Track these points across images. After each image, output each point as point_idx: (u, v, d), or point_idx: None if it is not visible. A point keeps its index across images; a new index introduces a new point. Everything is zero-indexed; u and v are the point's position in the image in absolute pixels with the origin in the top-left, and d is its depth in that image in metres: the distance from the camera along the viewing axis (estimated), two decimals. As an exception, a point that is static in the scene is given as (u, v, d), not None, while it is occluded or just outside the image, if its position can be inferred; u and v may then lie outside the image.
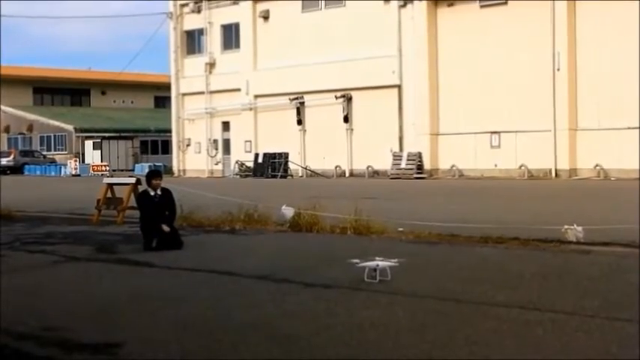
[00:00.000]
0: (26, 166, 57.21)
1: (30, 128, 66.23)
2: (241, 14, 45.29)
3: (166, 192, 11.60)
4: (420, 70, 37.74)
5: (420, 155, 37.76)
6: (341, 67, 40.29)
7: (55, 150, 63.64)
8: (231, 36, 46.51)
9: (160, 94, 68.86)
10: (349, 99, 40.76)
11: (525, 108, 34.67)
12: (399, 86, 38.92)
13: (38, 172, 55.35)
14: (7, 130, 67.76)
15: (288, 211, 13.76)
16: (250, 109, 44.76)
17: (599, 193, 23.87)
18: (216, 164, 46.90)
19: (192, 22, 48.31)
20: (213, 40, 47.21)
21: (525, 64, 34.54)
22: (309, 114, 42.55)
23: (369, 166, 39.46)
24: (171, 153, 51.57)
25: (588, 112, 33.40)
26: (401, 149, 38.72)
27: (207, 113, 47.25)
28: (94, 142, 61.22)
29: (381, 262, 8.12)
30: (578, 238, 10.85)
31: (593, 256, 9.82)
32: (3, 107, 66.14)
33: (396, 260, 8.33)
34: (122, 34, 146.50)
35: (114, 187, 16.25)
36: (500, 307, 6.78)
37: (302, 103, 42.55)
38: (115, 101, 73.75)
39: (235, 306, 7.16)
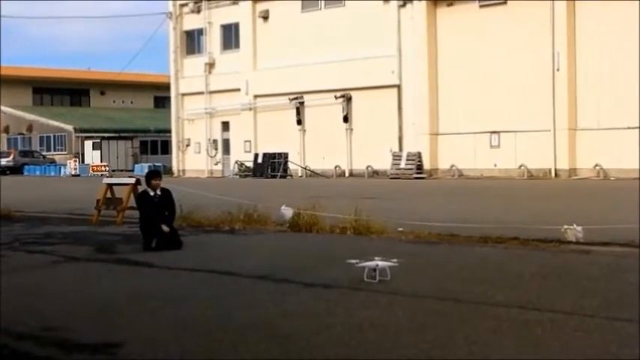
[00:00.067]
0: (26, 167, 57.22)
1: (29, 128, 66.24)
2: (241, 14, 45.30)
3: (166, 192, 11.60)
4: (420, 69, 37.74)
5: (419, 155, 37.77)
6: (340, 67, 40.30)
7: (54, 150, 63.65)
8: (230, 36, 46.52)
9: (160, 94, 68.84)
10: (349, 99, 40.77)
11: (525, 108, 34.68)
12: (398, 86, 38.93)
13: (38, 173, 55.36)
14: (6, 130, 67.77)
15: (288, 211, 13.76)
16: (250, 109, 44.76)
17: (598, 192, 23.87)
18: (216, 164, 46.90)
19: (191, 22, 48.32)
20: (213, 40, 47.22)
21: (525, 64, 34.54)
22: (308, 114, 42.55)
23: (368, 166, 39.46)
24: (170, 153, 51.55)
25: (588, 111, 33.41)
26: (400, 149, 38.73)
27: (206, 113, 47.26)
28: (93, 143, 61.22)
29: (380, 262, 8.12)
30: (577, 238, 10.85)
31: (592, 256, 9.82)
32: (3, 107, 66.14)
33: (395, 260, 8.34)
34: (122, 34, 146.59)
35: (113, 187, 16.24)
36: (500, 307, 6.78)
37: (302, 103, 42.55)
38: (114, 101, 73.77)
39: (235, 306, 7.16)
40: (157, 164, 49.25)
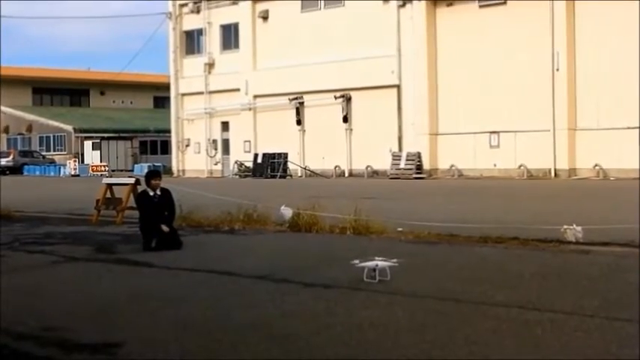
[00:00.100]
0: (25, 167, 57.19)
1: (29, 128, 66.22)
2: (240, 14, 45.29)
3: (165, 192, 11.60)
4: (419, 69, 37.74)
5: (419, 155, 37.76)
6: (340, 67, 40.29)
7: (54, 150, 63.64)
8: (230, 36, 46.51)
9: (160, 95, 68.82)
10: (348, 99, 40.76)
11: (524, 108, 34.68)
12: (398, 86, 38.92)
13: (37, 173, 55.33)
14: (6, 130, 67.76)
15: (287, 211, 13.76)
16: (249, 109, 44.76)
17: (598, 192, 23.87)
18: (216, 164, 46.89)
19: (191, 22, 48.30)
20: (213, 40, 47.21)
21: (524, 64, 34.55)
22: (308, 114, 42.54)
23: (368, 166, 39.46)
24: (170, 153, 51.54)
25: (587, 111, 33.41)
26: (400, 149, 38.72)
27: (206, 113, 47.25)
28: (93, 143, 61.21)
29: (380, 262, 8.12)
30: (577, 238, 10.85)
31: (592, 256, 9.82)
32: (2, 107, 66.13)
33: (395, 260, 8.33)
34: (122, 34, 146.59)
35: (113, 187, 16.25)
36: (500, 307, 6.78)
37: (301, 103, 42.54)
38: (114, 101, 73.76)
39: (235, 306, 7.16)
40: (156, 164, 49.22)
